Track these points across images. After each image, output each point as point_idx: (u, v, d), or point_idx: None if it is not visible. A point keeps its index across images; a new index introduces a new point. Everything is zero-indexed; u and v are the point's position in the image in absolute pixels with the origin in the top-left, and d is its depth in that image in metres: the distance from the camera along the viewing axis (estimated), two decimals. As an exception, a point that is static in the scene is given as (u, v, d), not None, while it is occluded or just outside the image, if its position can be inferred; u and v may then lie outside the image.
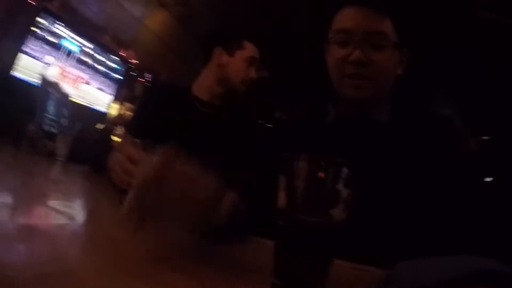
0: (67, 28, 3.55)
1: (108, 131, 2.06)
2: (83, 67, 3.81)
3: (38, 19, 3.31)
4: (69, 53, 3.62)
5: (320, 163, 0.51)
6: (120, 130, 2.30)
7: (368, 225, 0.78)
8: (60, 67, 3.48)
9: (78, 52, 3.71)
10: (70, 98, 2.23)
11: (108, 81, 4.19)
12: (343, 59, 0.93)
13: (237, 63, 1.58)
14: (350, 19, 0.95)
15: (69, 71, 3.66)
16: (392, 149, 0.90)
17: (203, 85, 1.61)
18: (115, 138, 2.09)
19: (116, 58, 4.27)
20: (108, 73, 4.19)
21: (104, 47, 4.08)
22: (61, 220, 0.70)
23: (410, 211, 0.81)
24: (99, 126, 3.05)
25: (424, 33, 2.98)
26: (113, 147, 1.33)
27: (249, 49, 1.60)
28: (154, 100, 1.64)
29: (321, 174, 0.51)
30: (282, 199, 0.53)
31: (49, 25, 3.39)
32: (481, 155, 5.59)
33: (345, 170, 0.51)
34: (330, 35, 0.98)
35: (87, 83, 3.88)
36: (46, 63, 3.29)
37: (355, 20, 0.93)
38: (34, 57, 3.25)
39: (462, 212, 0.80)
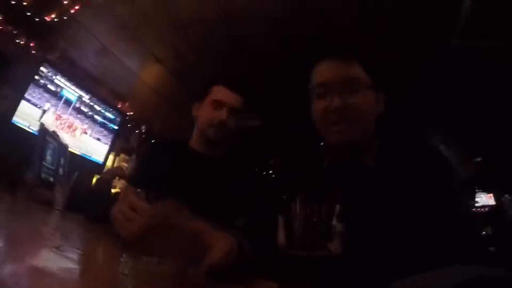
0: (66, 78, 3.65)
1: (105, 182, 2.05)
2: (81, 117, 3.87)
3: (38, 68, 3.39)
4: (67, 102, 3.69)
5: (314, 202, 0.54)
6: (116, 181, 2.29)
7: (364, 258, 0.81)
8: (58, 115, 3.53)
9: (76, 101, 3.78)
10: (68, 148, 2.23)
11: (105, 132, 4.24)
12: (324, 109, 1.02)
13: (204, 107, 1.55)
14: (324, 73, 1.06)
15: (67, 119, 3.71)
16: (380, 193, 0.94)
17: (194, 137, 1.63)
18: (112, 189, 2.08)
19: (113, 109, 4.35)
20: (105, 124, 4.24)
21: (101, 99, 4.16)
22: (67, 264, 0.71)
23: (402, 243, 0.85)
24: (96, 176, 3.04)
25: (402, 70, 3.10)
26: (110, 197, 1.34)
27: (215, 92, 1.54)
28: (155, 153, 1.68)
29: (316, 212, 0.54)
30: (282, 237, 0.56)
31: (49, 75, 3.47)
32: (477, 175, 5.67)
33: (337, 206, 0.58)
34: (311, 89, 1.09)
35: (85, 133, 3.92)
36: (44, 110, 3.34)
37: (328, 73, 1.04)
38: (33, 104, 3.30)
39: (451, 241, 0.82)
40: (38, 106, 3.35)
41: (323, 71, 1.06)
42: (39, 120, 3.09)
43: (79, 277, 0.65)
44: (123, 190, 1.19)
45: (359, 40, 2.77)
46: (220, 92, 1.53)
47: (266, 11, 2.87)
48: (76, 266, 0.73)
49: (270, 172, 4.42)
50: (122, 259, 0.48)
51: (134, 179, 1.70)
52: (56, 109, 3.53)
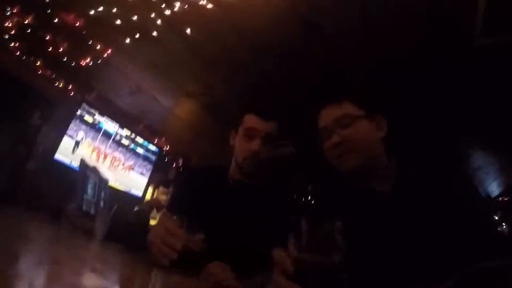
0: (104, 117, 3.87)
1: (143, 213, 2.10)
2: (122, 150, 4.08)
3: (78, 108, 3.65)
4: (106, 135, 3.92)
5: (319, 219, 0.70)
6: (154, 213, 2.34)
7: (375, 276, 0.94)
8: (96, 147, 3.74)
9: (116, 134, 4.00)
10: (107, 183, 2.32)
11: (143, 166, 4.42)
12: (329, 147, 1.19)
13: (238, 137, 1.53)
14: (322, 119, 1.25)
15: (107, 154, 3.93)
16: (395, 217, 1.03)
17: (232, 166, 1.61)
18: (151, 221, 2.13)
19: (150, 145, 4.53)
20: (144, 159, 4.43)
21: (138, 135, 4.37)
22: (106, 284, 0.74)
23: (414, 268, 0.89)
24: (135, 208, 3.12)
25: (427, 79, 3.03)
26: (148, 228, 1.36)
27: (247, 121, 1.51)
28: (193, 180, 1.68)
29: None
30: (292, 250, 0.70)
31: (90, 110, 3.71)
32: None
33: (338, 224, 0.69)
34: (319, 134, 1.26)
35: (130, 169, 4.11)
36: (77, 141, 3.55)
37: (325, 118, 1.24)
38: (73, 140, 3.58)
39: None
40: (77, 141, 3.62)
41: (322, 118, 1.26)
42: (73, 152, 3.25)
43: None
44: (160, 217, 1.21)
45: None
46: (251, 121, 1.51)
47: (285, 42, 2.93)
48: (115, 286, 0.77)
49: (309, 198, 4.38)
50: (152, 275, 0.48)
51: (171, 206, 1.70)
52: (92, 140, 3.74)
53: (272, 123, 1.50)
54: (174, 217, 1.03)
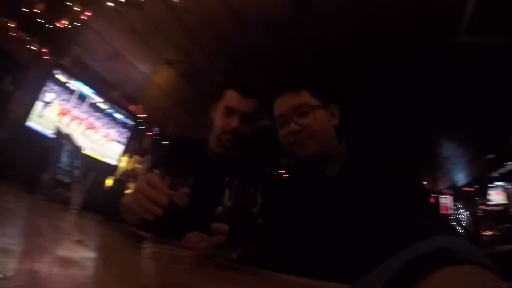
0: (79, 82, 3.76)
1: (120, 183, 2.09)
2: (94, 116, 4.01)
3: (51, 73, 3.53)
4: (81, 100, 3.85)
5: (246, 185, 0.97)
6: (131, 182, 2.32)
7: (331, 251, 1.02)
8: (71, 112, 3.68)
9: (90, 98, 3.92)
10: (82, 150, 2.28)
11: (118, 134, 4.36)
12: (287, 134, 1.25)
13: (218, 113, 1.54)
14: (279, 106, 1.29)
15: (81, 117, 3.87)
16: (340, 198, 1.12)
17: (211, 138, 1.62)
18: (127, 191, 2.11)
19: (126, 112, 4.45)
20: (119, 127, 4.36)
21: (114, 102, 4.28)
22: (89, 254, 0.76)
23: (361, 243, 0.93)
24: (110, 177, 3.09)
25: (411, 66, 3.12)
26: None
27: (226, 98, 1.52)
28: (173, 151, 1.68)
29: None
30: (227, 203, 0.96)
31: (63, 79, 3.59)
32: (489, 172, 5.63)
33: (258, 187, 0.96)
34: (275, 120, 1.32)
35: (104, 136, 4.06)
36: (46, 102, 3.47)
37: (282, 105, 1.28)
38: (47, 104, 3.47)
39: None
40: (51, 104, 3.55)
41: (279, 105, 1.29)
42: (56, 125, 3.15)
43: (102, 264, 0.69)
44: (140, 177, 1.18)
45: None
46: (232, 99, 1.51)
47: (273, 16, 2.89)
48: (98, 256, 0.78)
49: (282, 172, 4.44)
50: (143, 245, 0.50)
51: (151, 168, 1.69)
52: (64, 104, 3.71)
53: (252, 100, 1.51)
54: (157, 171, 0.98)
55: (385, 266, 0.47)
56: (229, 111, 1.49)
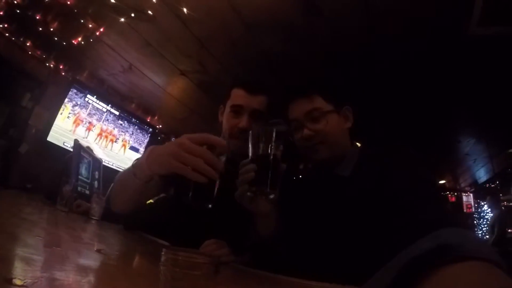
0: (96, 96, 3.85)
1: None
2: (112, 128, 4.10)
3: (69, 88, 3.64)
4: (99, 112, 3.93)
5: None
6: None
7: (338, 253, 1.02)
8: (92, 126, 3.75)
9: (107, 111, 4.00)
10: (101, 162, 2.32)
11: (137, 145, 4.43)
12: (300, 139, 1.27)
13: (225, 115, 1.48)
14: (293, 111, 1.30)
15: (99, 129, 3.99)
16: (352, 197, 1.12)
17: None
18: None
19: (142, 123, 4.53)
20: (137, 138, 4.44)
21: (130, 114, 4.36)
22: (109, 262, 0.76)
23: (371, 240, 0.95)
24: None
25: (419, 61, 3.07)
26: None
27: (234, 97, 1.46)
28: None
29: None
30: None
31: (79, 94, 3.68)
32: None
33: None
34: (290, 123, 1.32)
35: (123, 147, 4.12)
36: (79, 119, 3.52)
37: (295, 110, 1.29)
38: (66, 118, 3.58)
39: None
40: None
41: (292, 110, 1.30)
42: (75, 139, 3.24)
43: (122, 272, 0.70)
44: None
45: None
46: (239, 96, 1.45)
47: (282, 21, 2.90)
48: (118, 264, 0.79)
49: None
50: (162, 252, 0.51)
51: None
52: (85, 118, 3.80)
53: (260, 97, 1.44)
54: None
55: (390, 265, 0.46)
56: (237, 110, 1.43)
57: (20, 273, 0.49)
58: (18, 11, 3.00)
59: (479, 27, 2.44)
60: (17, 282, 0.42)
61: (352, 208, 1.09)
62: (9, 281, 0.42)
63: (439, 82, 3.32)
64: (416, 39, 2.83)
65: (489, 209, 6.76)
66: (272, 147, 1.01)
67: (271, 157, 1.00)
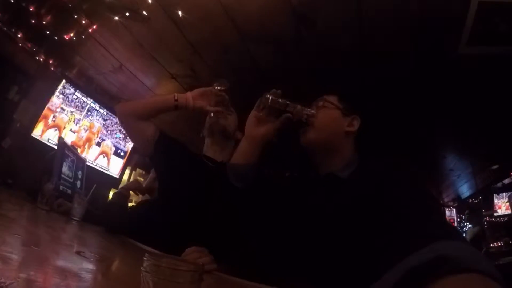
0: (84, 94, 3.81)
1: (122, 195, 2.07)
2: (98, 127, 4.06)
3: (57, 84, 3.58)
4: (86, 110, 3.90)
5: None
6: (133, 195, 2.31)
7: (329, 255, 1.02)
8: (75, 121, 3.72)
9: (94, 109, 3.96)
10: (85, 162, 2.28)
11: (121, 147, 4.38)
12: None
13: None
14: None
15: (84, 128, 3.93)
16: (348, 200, 1.12)
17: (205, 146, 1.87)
18: (129, 203, 2.12)
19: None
20: (122, 139, 4.38)
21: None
22: (88, 266, 0.74)
23: (366, 250, 0.92)
24: (113, 190, 3.08)
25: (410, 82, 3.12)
26: (127, 211, 1.38)
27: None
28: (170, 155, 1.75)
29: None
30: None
31: (67, 91, 3.63)
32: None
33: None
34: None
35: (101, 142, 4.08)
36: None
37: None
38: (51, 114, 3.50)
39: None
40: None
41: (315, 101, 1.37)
42: (59, 136, 3.19)
43: (101, 276, 0.68)
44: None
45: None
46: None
47: (275, 32, 2.93)
48: (97, 268, 0.77)
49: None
50: (144, 258, 0.50)
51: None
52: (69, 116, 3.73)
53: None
54: None
55: (387, 276, 0.46)
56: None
57: (-5, 272, 0.47)
58: (11, 1, 2.94)
59: (468, 46, 2.49)
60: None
61: (347, 212, 1.09)
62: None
63: (426, 99, 3.37)
64: (405, 56, 2.88)
65: (468, 223, 6.85)
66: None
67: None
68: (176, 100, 1.73)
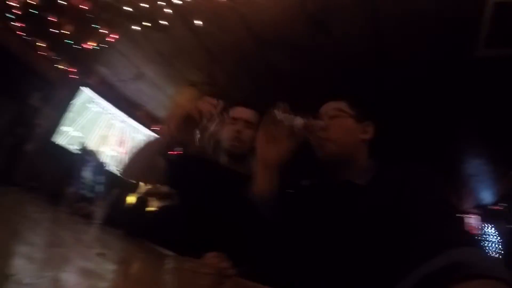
0: (105, 101, 3.90)
1: (142, 200, 2.10)
2: (118, 134, 4.11)
3: (78, 91, 3.67)
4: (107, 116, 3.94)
5: None
6: (152, 200, 2.33)
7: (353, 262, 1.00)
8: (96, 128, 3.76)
9: (115, 116, 4.05)
10: (106, 167, 2.32)
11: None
12: (313, 130, 1.25)
13: (224, 128, 1.73)
14: (322, 109, 1.33)
15: (106, 134, 3.98)
16: (366, 208, 1.09)
17: (222, 157, 1.75)
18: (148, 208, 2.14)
19: (149, 131, 4.55)
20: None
21: (138, 121, 4.40)
22: (111, 266, 0.75)
23: (384, 257, 0.93)
24: (132, 194, 3.12)
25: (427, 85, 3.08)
26: (146, 215, 1.39)
27: (231, 112, 1.73)
28: (186, 169, 1.73)
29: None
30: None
31: (89, 97, 3.73)
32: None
33: None
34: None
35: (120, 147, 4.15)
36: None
37: (323, 108, 1.33)
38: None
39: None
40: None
41: (322, 108, 1.33)
42: (81, 141, 3.26)
43: (123, 277, 0.69)
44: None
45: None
46: (236, 111, 1.72)
47: (291, 38, 2.94)
48: (119, 269, 0.78)
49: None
50: (167, 261, 0.50)
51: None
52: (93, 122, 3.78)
53: (253, 111, 1.71)
54: None
55: (403, 283, 0.45)
56: (234, 121, 1.68)
57: (21, 271, 0.48)
58: (34, 11, 3.06)
59: (486, 49, 2.45)
60: (19, 279, 0.41)
61: (365, 220, 1.07)
62: (10, 278, 0.41)
63: (447, 103, 3.30)
64: (424, 60, 2.84)
65: (496, 232, 6.64)
66: None
67: None
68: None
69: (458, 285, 0.40)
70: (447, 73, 2.93)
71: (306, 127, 1.24)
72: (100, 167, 2.20)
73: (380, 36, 2.70)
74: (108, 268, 0.73)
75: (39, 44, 3.39)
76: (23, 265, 0.52)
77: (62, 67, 3.62)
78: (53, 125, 3.50)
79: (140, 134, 4.49)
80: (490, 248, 6.79)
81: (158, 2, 2.79)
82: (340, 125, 1.26)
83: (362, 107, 1.33)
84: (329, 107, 1.31)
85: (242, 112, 1.71)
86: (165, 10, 2.83)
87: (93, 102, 3.87)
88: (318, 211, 1.23)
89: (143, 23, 3.01)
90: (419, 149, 4.09)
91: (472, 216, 7.01)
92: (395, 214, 1.00)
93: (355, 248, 1.03)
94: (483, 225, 7.00)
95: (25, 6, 3.03)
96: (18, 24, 3.21)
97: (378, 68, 3.04)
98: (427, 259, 0.48)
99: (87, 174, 2.02)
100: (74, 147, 3.41)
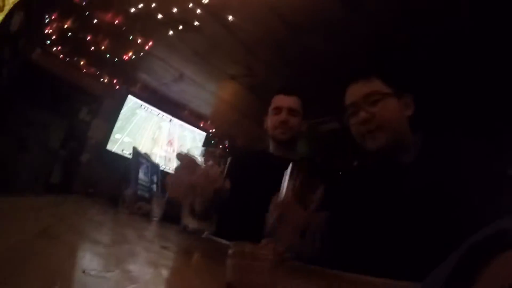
0: (151, 105, 4.07)
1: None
2: (167, 134, 4.32)
3: (124, 100, 3.89)
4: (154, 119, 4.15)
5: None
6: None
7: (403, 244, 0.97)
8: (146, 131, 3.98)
9: (162, 118, 4.25)
10: (159, 167, 2.42)
11: (193, 150, 4.61)
12: (357, 123, 1.20)
13: (269, 117, 1.78)
14: (350, 94, 1.25)
15: (156, 136, 4.19)
16: (414, 186, 1.06)
17: (271, 147, 1.82)
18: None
19: (196, 128, 4.69)
20: (191, 142, 4.64)
21: (184, 120, 4.55)
22: (176, 258, 0.80)
23: (433, 235, 0.91)
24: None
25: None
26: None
27: (274, 101, 1.77)
28: (238, 165, 1.74)
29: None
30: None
31: (136, 104, 3.90)
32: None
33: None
34: (346, 110, 1.26)
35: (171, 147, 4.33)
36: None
37: (353, 94, 1.23)
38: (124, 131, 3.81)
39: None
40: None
41: (350, 94, 1.25)
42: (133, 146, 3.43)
43: (186, 266, 0.73)
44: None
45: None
46: (277, 100, 1.76)
47: (322, 19, 2.88)
48: (182, 259, 0.83)
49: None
50: (230, 245, 0.53)
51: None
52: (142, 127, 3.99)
53: (294, 97, 1.74)
54: None
55: (451, 257, 0.44)
56: (278, 110, 1.71)
57: (93, 266, 0.52)
58: (69, 34, 3.26)
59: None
60: (92, 274, 0.45)
61: (414, 198, 1.03)
62: (87, 273, 0.45)
63: (486, 60, 3.00)
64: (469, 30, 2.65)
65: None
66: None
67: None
68: None
69: (503, 253, 0.39)
70: (487, 44, 2.71)
71: (354, 125, 1.22)
72: (153, 168, 2.29)
73: (412, 7, 2.55)
74: (171, 258, 0.78)
75: (80, 63, 3.62)
76: (94, 261, 0.57)
77: (106, 80, 3.82)
78: (105, 134, 3.73)
79: (187, 132, 4.63)
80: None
81: (187, 5, 2.85)
82: (386, 109, 1.17)
83: (396, 81, 1.24)
84: (363, 91, 1.20)
85: (284, 100, 1.73)
86: (195, 11, 2.89)
87: (140, 107, 4.03)
88: (372, 191, 1.20)
89: (176, 27, 3.10)
90: (472, 124, 3.84)
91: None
92: (445, 190, 0.96)
93: (402, 228, 1.00)
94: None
95: (59, 30, 3.24)
96: (57, 48, 3.44)
97: (411, 40, 2.88)
98: (477, 230, 0.46)
99: (142, 175, 2.12)
100: (127, 152, 3.61)
